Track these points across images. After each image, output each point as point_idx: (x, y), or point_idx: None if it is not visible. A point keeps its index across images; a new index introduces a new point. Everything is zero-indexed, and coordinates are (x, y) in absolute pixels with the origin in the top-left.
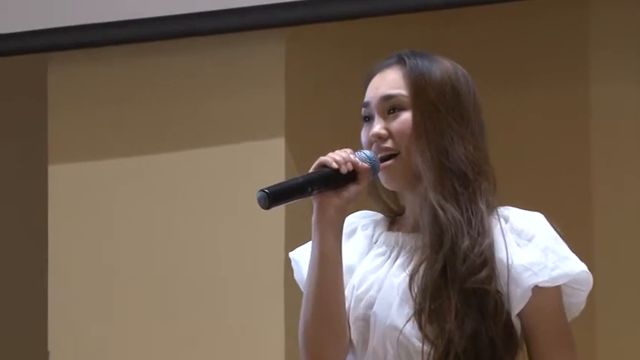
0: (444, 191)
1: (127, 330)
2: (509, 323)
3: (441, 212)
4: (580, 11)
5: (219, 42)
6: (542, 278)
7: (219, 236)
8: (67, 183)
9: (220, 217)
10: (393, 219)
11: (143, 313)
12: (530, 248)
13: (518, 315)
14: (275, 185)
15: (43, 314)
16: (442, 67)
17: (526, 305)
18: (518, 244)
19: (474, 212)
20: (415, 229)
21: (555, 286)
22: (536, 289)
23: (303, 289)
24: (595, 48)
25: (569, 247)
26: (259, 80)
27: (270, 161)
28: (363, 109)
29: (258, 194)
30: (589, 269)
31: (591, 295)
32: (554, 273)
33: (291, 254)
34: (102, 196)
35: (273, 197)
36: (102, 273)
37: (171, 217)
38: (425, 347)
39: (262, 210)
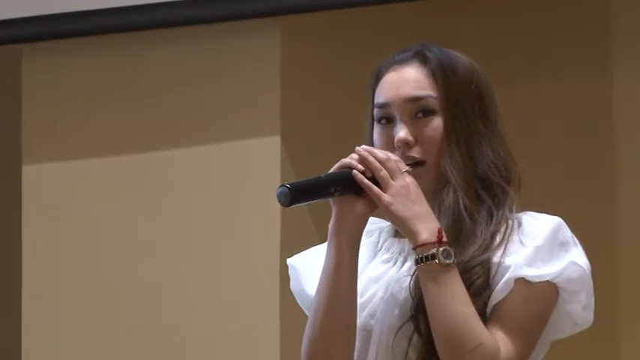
0: (471, 196)
1: (109, 338)
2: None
3: (466, 217)
4: (602, 6)
5: (209, 32)
6: (523, 273)
7: (211, 238)
8: (42, 184)
9: (212, 219)
10: None
11: (126, 320)
12: (528, 248)
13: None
14: (296, 182)
15: (16, 318)
16: (463, 63)
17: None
18: (522, 243)
19: (494, 220)
20: None
21: (537, 284)
22: (516, 284)
23: (298, 299)
24: (618, 42)
25: (585, 252)
26: (253, 74)
27: (265, 160)
28: (378, 110)
29: (279, 190)
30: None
31: (615, 296)
32: (539, 270)
33: (290, 261)
34: (81, 198)
35: (295, 194)
36: (81, 280)
37: (158, 219)
38: (411, 353)
39: (257, 211)
